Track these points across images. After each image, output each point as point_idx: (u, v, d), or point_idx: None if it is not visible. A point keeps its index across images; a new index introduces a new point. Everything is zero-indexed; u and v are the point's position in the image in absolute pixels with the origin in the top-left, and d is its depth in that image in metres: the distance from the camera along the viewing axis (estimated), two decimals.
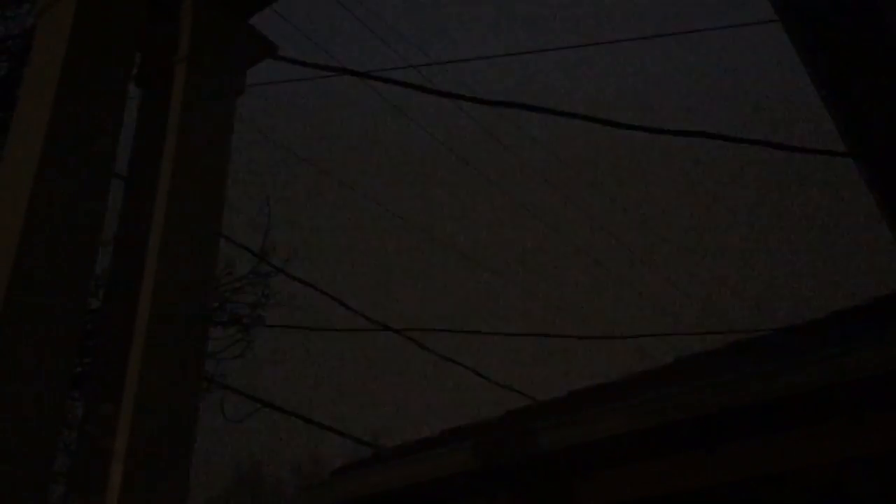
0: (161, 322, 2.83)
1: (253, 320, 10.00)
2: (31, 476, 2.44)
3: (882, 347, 3.77)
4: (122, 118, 3.01)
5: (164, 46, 3.31)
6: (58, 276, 2.67)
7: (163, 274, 2.90)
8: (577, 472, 4.62)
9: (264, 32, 3.54)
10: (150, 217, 3.03)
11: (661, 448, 4.37)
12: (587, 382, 5.66)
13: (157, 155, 3.13)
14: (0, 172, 2.91)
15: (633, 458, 4.45)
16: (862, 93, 4.44)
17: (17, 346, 2.51)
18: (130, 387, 2.71)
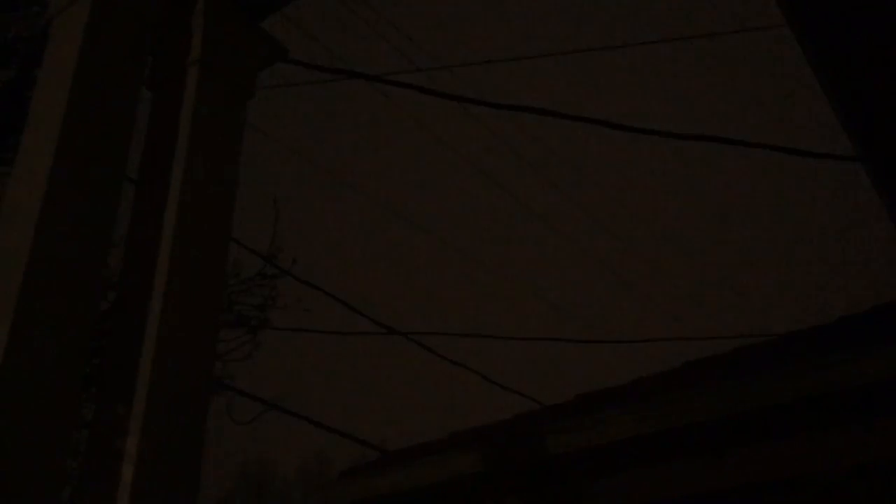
0: (172, 323, 2.84)
1: (260, 322, 10.01)
2: (43, 477, 2.45)
3: (890, 353, 3.76)
4: (133, 121, 3.03)
5: (176, 50, 3.32)
6: (70, 276, 2.68)
7: (174, 275, 2.91)
8: (586, 476, 4.62)
9: (274, 35, 3.55)
10: (161, 219, 3.04)
11: (670, 452, 4.37)
12: (595, 387, 5.66)
13: (168, 157, 3.14)
14: (13, 174, 2.93)
15: (642, 463, 4.45)
16: (871, 97, 4.44)
17: (29, 346, 2.52)
18: (141, 388, 2.72)
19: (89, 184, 2.83)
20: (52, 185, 2.73)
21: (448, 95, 4.91)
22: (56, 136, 2.79)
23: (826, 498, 3.96)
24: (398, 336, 7.95)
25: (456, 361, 8.10)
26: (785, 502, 4.08)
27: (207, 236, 3.08)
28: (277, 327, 9.93)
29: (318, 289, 7.33)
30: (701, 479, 4.29)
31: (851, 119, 4.55)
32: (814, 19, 4.07)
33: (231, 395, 8.37)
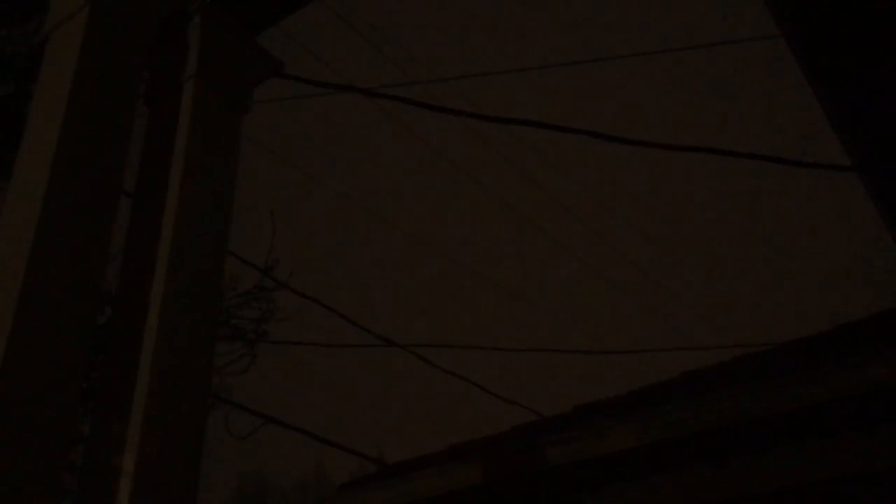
0: (169, 338, 2.84)
1: (257, 335, 9.99)
2: (40, 492, 2.44)
3: (890, 360, 3.76)
4: (130, 135, 3.03)
5: (172, 65, 3.33)
6: (67, 290, 2.68)
7: (170, 289, 2.91)
8: (585, 488, 4.61)
9: (271, 50, 3.57)
10: (158, 233, 3.04)
11: (670, 463, 4.36)
12: (593, 397, 5.65)
13: (164, 172, 3.14)
14: (10, 188, 2.93)
15: (641, 474, 4.44)
16: (866, 106, 4.45)
17: (27, 360, 2.52)
18: (138, 403, 2.71)
19: (86, 198, 2.83)
20: (49, 198, 2.73)
21: (444, 109, 4.92)
22: (53, 151, 2.79)
23: None
24: (396, 348, 7.94)
25: (454, 373, 8.09)
26: None
27: (204, 250, 3.08)
28: (275, 340, 9.92)
29: (315, 301, 7.34)
30: (701, 489, 4.28)
31: (846, 128, 4.56)
32: (806, 28, 4.08)
33: (229, 409, 8.35)
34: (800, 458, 4.02)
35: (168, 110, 3.26)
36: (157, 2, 3.27)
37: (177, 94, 3.25)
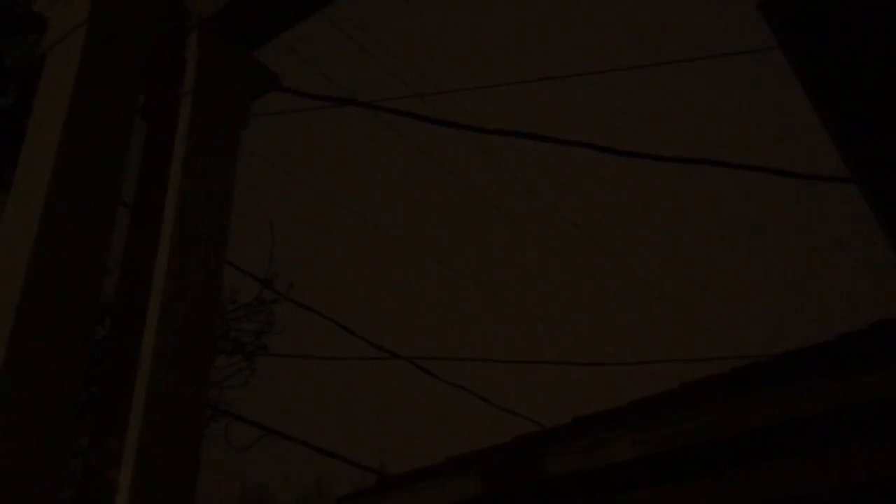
0: (166, 350, 2.84)
1: (256, 348, 9.98)
2: None
3: (890, 371, 3.76)
4: (128, 149, 3.05)
5: (170, 80, 3.35)
6: (66, 303, 2.69)
7: (168, 302, 2.92)
8: (586, 499, 4.60)
9: (268, 63, 3.58)
10: (156, 245, 3.05)
11: (669, 474, 4.35)
12: (593, 408, 5.64)
13: (163, 185, 3.15)
14: (9, 200, 2.94)
15: (642, 485, 4.43)
16: (864, 118, 4.46)
17: (24, 373, 2.52)
18: (136, 416, 2.71)
19: (84, 210, 2.84)
20: (48, 211, 2.74)
21: (446, 122, 4.94)
22: (52, 163, 2.81)
23: None
24: (397, 360, 7.93)
25: (455, 384, 8.08)
26: None
27: (203, 262, 3.08)
28: (275, 353, 9.91)
29: (316, 312, 7.33)
30: (701, 500, 4.27)
31: (845, 140, 4.57)
32: (804, 41, 4.10)
33: (229, 421, 8.34)
34: (800, 469, 4.01)
35: (166, 125, 3.27)
36: (156, 18, 3.29)
37: (175, 109, 3.27)
